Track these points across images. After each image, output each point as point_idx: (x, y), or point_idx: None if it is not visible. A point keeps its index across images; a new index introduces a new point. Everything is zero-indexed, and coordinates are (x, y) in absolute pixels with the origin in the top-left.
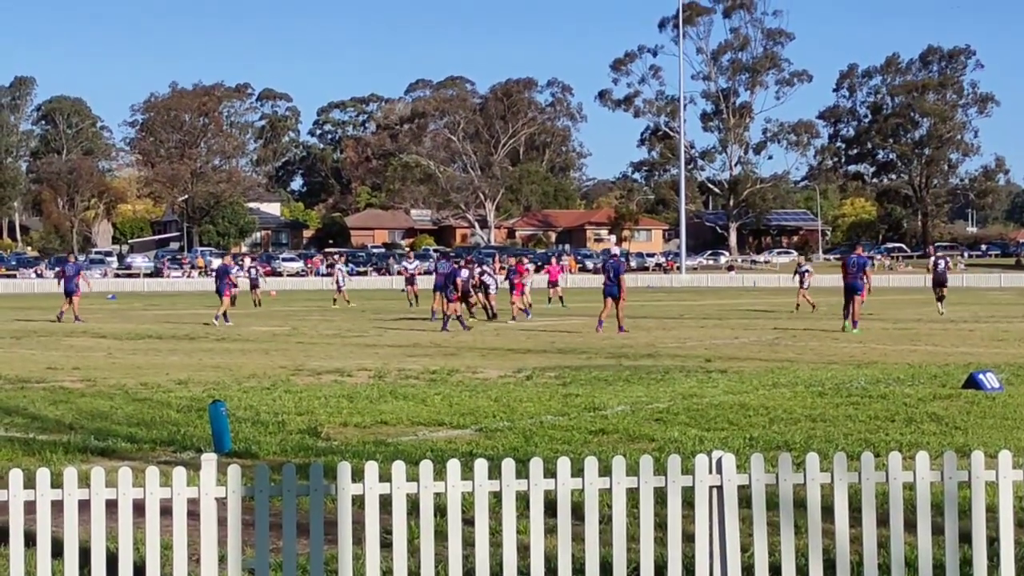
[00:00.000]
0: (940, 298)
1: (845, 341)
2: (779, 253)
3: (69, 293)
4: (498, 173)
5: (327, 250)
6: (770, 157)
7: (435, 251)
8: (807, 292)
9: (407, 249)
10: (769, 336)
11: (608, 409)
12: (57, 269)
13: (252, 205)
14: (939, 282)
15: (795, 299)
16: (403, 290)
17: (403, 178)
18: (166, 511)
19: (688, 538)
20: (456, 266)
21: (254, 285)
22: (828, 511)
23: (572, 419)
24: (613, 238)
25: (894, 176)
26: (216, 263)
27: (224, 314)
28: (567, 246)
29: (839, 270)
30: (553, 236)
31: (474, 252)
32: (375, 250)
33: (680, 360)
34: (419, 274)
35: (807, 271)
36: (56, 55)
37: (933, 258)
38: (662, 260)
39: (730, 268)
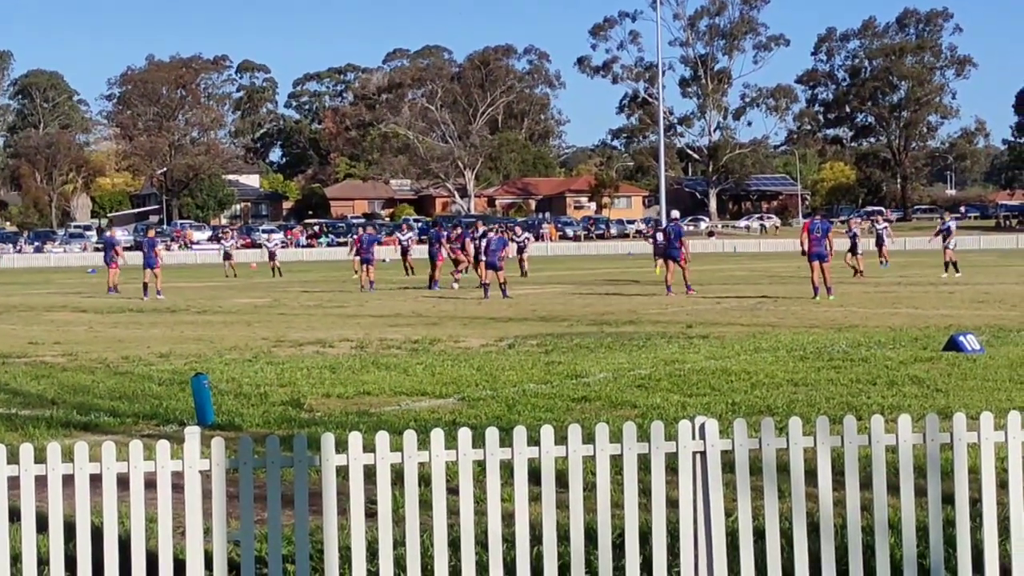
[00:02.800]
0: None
1: (826, 306)
2: (759, 218)
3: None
4: (477, 142)
5: (307, 221)
6: (749, 123)
7: (427, 221)
8: (860, 258)
9: (403, 220)
10: (750, 301)
11: (590, 376)
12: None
13: (231, 177)
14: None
15: (851, 264)
16: (385, 261)
17: (382, 148)
18: (150, 485)
19: (672, 504)
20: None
21: (272, 255)
22: (811, 475)
23: (555, 387)
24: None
25: (873, 140)
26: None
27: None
28: (547, 214)
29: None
30: (533, 204)
31: (455, 220)
32: (355, 220)
33: (662, 326)
34: (414, 244)
35: (856, 235)
36: (32, 29)
37: (947, 222)
38: (642, 227)
39: (710, 234)
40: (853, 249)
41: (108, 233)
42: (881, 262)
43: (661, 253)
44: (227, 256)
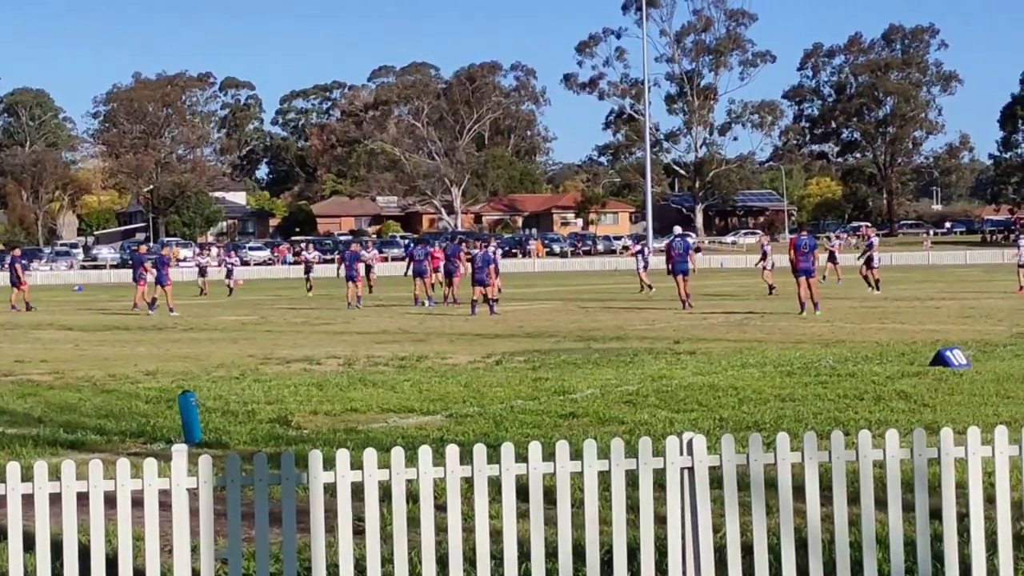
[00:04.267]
0: None
1: (813, 321)
2: (745, 233)
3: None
4: (463, 159)
5: (293, 238)
6: (735, 138)
7: (414, 238)
8: (875, 270)
9: (368, 238)
10: (737, 317)
11: (578, 393)
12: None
13: (218, 194)
14: None
15: (864, 275)
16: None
17: (368, 165)
18: (137, 503)
19: (660, 520)
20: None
21: (229, 274)
22: (799, 490)
23: (542, 403)
24: (678, 228)
25: (859, 155)
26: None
27: (151, 303)
28: (534, 230)
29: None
30: (520, 221)
31: (442, 237)
32: (342, 237)
33: (649, 342)
34: (378, 261)
35: (872, 243)
36: (18, 47)
37: (871, 238)
38: (629, 243)
39: (697, 249)
40: (869, 262)
41: (137, 250)
42: (827, 277)
43: (670, 269)
44: (202, 272)
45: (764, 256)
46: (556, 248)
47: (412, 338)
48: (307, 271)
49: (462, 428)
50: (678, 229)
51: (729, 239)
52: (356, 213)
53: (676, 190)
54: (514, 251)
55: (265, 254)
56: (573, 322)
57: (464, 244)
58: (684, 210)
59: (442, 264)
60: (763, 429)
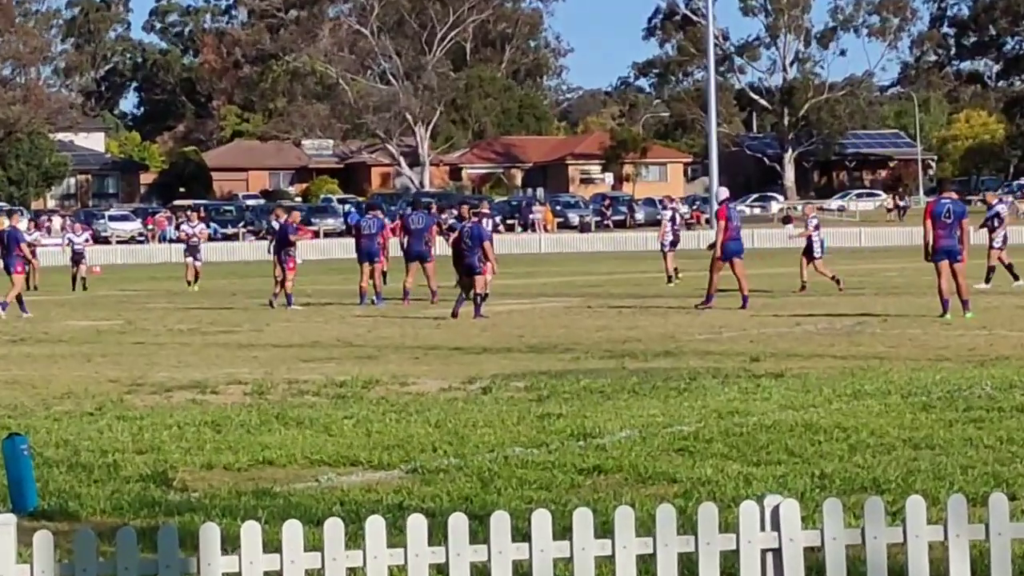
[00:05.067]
0: None
1: (961, 328)
2: (860, 195)
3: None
4: (434, 83)
5: (177, 202)
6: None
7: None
8: (1002, 252)
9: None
10: (846, 321)
11: (606, 436)
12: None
13: (62, 137)
14: None
15: (986, 261)
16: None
17: (290, 93)
18: None
19: None
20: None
21: (77, 259)
22: None
23: (552, 452)
24: (725, 190)
25: None
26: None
27: (19, 299)
28: (540, 190)
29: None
30: (518, 176)
31: (402, 201)
32: (250, 201)
33: (713, 359)
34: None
35: (998, 213)
36: None
37: (994, 206)
38: (684, 209)
39: (786, 220)
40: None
41: (11, 224)
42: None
43: (719, 248)
44: (77, 258)
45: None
46: (573, 217)
47: (357, 354)
48: (190, 252)
49: (432, 490)
50: (724, 192)
51: (834, 203)
52: (271, 165)
53: (755, 130)
54: (510, 222)
55: (134, 226)
56: (599, 329)
57: (441, 213)
58: (767, 160)
59: (404, 242)
60: (886, 491)
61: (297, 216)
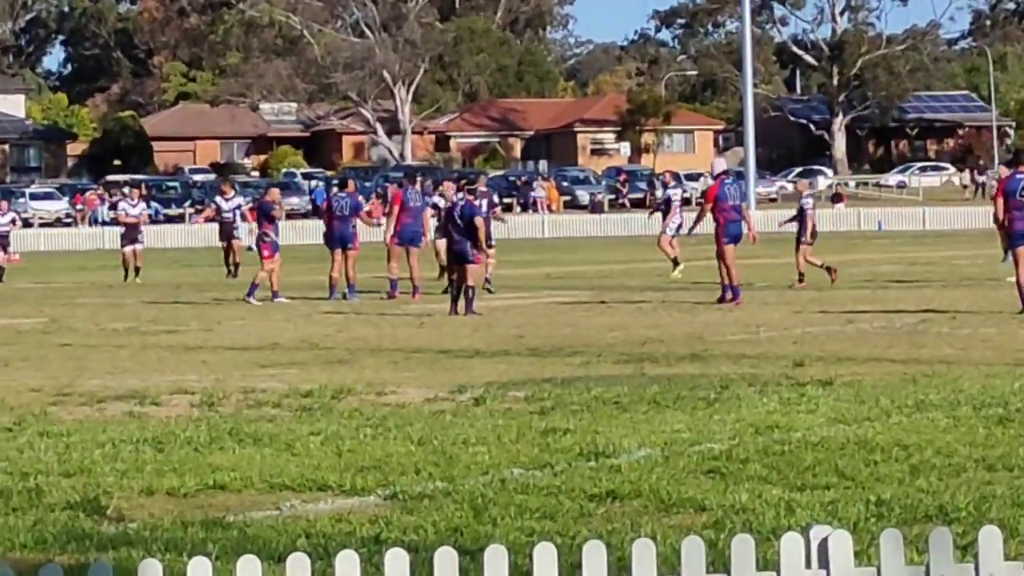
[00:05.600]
0: None
1: None
2: (923, 169)
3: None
4: (417, 35)
5: (111, 178)
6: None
7: (328, 177)
8: None
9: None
10: (908, 319)
11: (622, 455)
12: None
13: None
14: None
15: None
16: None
17: (245, 48)
18: None
19: None
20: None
21: (2, 244)
22: None
23: (558, 475)
24: (722, 160)
25: None
26: None
27: None
28: (544, 163)
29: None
30: (518, 146)
31: (378, 175)
32: (198, 176)
33: (749, 364)
34: (246, 218)
35: None
36: None
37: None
38: (669, 184)
39: (836, 198)
40: None
41: None
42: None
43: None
44: (2, 243)
45: (801, 221)
46: (583, 195)
47: (325, 358)
48: (130, 237)
49: (414, 520)
50: (721, 163)
51: (893, 178)
52: (223, 134)
53: (799, 91)
54: (508, 200)
55: (59, 206)
56: (613, 328)
57: (435, 187)
58: (813, 127)
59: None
60: (955, 520)
61: (276, 194)
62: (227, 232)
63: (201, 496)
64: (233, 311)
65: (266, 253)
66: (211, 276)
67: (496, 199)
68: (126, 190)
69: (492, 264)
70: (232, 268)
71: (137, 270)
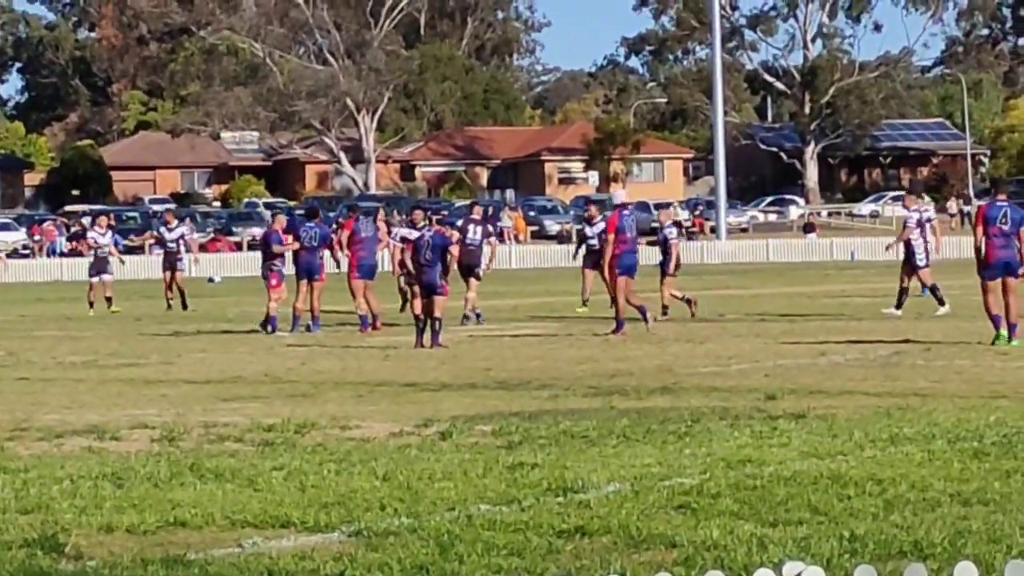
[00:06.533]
0: None
1: (1020, 358)
2: (896, 199)
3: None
4: (381, 62)
5: (70, 208)
6: (877, 27)
7: (290, 207)
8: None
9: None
10: (882, 350)
11: (591, 490)
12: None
13: None
14: None
15: None
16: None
17: (207, 76)
18: None
19: None
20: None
21: None
22: None
23: (526, 510)
24: (621, 192)
25: None
26: None
27: None
28: (510, 192)
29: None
30: (484, 175)
31: (342, 205)
32: (158, 206)
33: (720, 397)
34: (190, 249)
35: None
36: None
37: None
38: (684, 216)
39: (808, 228)
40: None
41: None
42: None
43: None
44: None
45: (665, 252)
46: (551, 225)
47: (288, 391)
48: (96, 270)
49: (379, 557)
50: (620, 195)
51: (866, 208)
52: (184, 163)
53: (770, 119)
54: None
55: (17, 236)
56: (582, 361)
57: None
58: (784, 155)
59: (358, 253)
60: (930, 556)
61: (283, 221)
62: (170, 262)
63: (161, 533)
64: (194, 344)
65: (274, 283)
66: (174, 308)
67: (491, 228)
68: (86, 220)
69: (472, 298)
70: (171, 300)
71: (109, 300)
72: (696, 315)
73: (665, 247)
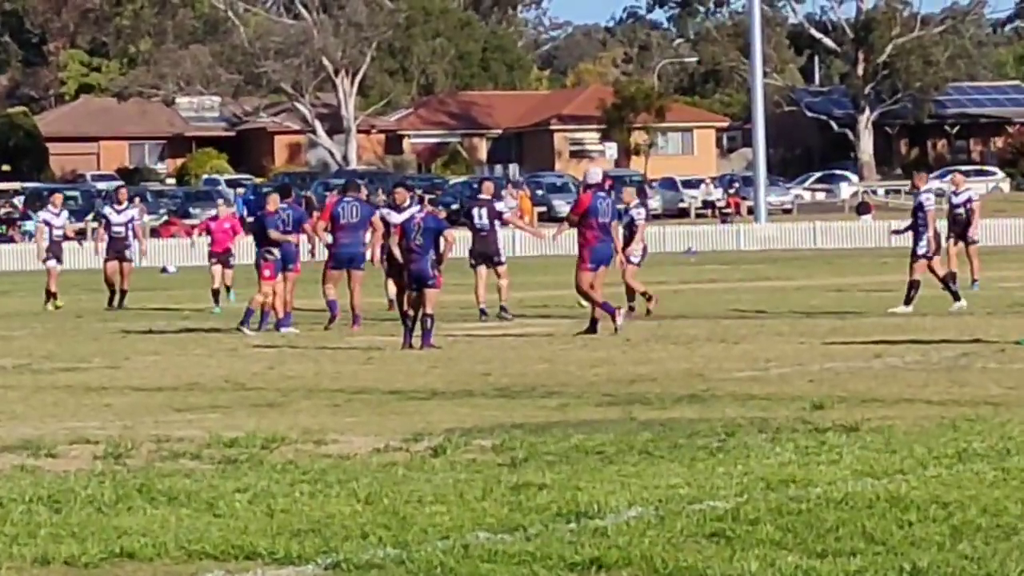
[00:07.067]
0: None
1: None
2: (965, 174)
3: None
4: (362, 16)
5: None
6: None
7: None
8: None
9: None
10: (947, 352)
11: (608, 516)
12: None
13: None
14: None
15: None
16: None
17: (159, 31)
18: None
19: None
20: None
21: None
22: None
23: (532, 539)
24: (597, 170)
25: None
26: None
27: None
28: (514, 167)
29: None
30: (483, 146)
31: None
32: (103, 184)
33: (759, 406)
34: (142, 235)
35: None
36: None
37: None
38: (718, 194)
39: (863, 209)
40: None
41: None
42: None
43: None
44: None
45: (631, 231)
46: (561, 205)
47: (253, 400)
48: (53, 254)
49: None
50: (596, 174)
51: (931, 184)
52: (133, 133)
53: (818, 82)
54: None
55: None
56: (596, 364)
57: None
58: (835, 124)
59: (338, 242)
60: None
61: (276, 202)
62: (116, 249)
63: (105, 566)
64: (145, 345)
65: (267, 273)
66: (128, 301)
67: (500, 207)
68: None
69: (506, 286)
70: (119, 295)
71: (53, 295)
72: (651, 313)
73: (630, 230)
